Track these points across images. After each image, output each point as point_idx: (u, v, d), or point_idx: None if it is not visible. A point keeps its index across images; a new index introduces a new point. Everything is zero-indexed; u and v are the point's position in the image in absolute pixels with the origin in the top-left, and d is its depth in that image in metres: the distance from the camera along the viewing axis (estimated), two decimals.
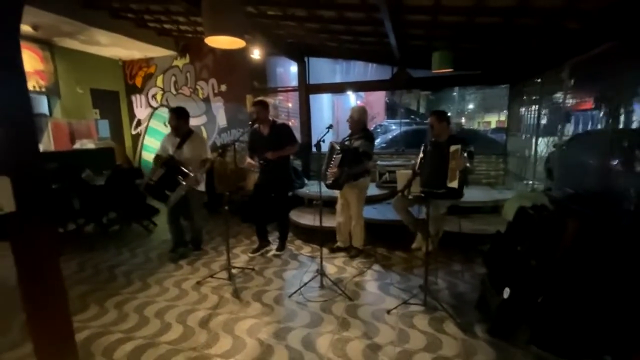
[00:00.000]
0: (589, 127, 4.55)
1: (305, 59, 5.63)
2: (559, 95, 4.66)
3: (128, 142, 7.18)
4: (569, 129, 4.46)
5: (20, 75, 1.67)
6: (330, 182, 3.13)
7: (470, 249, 3.56)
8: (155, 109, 6.91)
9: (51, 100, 5.74)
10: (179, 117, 3.39)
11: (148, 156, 7.08)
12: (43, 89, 5.54)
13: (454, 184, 2.51)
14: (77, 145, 5.70)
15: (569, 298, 1.88)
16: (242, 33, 1.98)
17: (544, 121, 4.70)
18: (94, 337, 2.26)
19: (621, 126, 3.06)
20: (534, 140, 4.67)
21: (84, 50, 6.04)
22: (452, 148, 2.47)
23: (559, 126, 4.41)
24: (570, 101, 4.16)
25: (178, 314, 2.52)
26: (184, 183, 3.12)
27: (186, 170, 3.17)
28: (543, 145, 4.64)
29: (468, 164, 2.61)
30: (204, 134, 6.51)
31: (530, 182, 4.72)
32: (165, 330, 2.32)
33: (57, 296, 1.90)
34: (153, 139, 7.03)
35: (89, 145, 5.73)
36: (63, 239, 4.11)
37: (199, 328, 2.34)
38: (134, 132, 7.19)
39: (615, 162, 2.91)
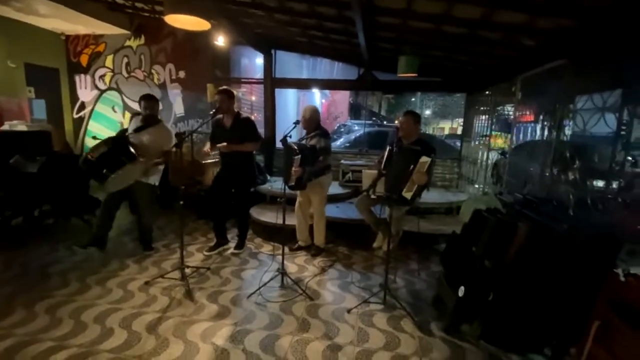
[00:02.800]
0: (531, 138, 4.97)
1: (273, 52, 5.47)
2: (508, 107, 5.04)
3: (69, 126, 6.46)
4: (515, 138, 4.83)
5: None
6: (294, 182, 3.03)
7: (426, 247, 3.70)
8: (103, 91, 6.29)
9: None
10: (156, 102, 3.31)
11: (92, 143, 6.43)
12: None
13: (408, 195, 2.56)
14: (6, 127, 4.98)
15: (517, 296, 2.01)
16: (206, 14, 1.82)
17: (494, 130, 5.07)
18: (19, 346, 1.97)
19: (561, 138, 3.37)
20: (485, 147, 5.00)
21: (19, 19, 5.30)
22: (423, 159, 2.49)
23: (506, 135, 4.78)
24: (517, 113, 4.50)
25: (122, 318, 2.29)
26: (127, 167, 2.82)
27: (133, 153, 2.89)
28: (493, 153, 4.99)
29: (429, 179, 2.66)
30: None
31: (481, 186, 5.06)
32: (106, 337, 2.09)
33: None
34: (98, 125, 6.40)
35: (20, 127, 5.04)
36: None
37: (146, 333, 2.14)
38: (76, 116, 6.48)
39: (556, 170, 3.19)
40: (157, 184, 3.34)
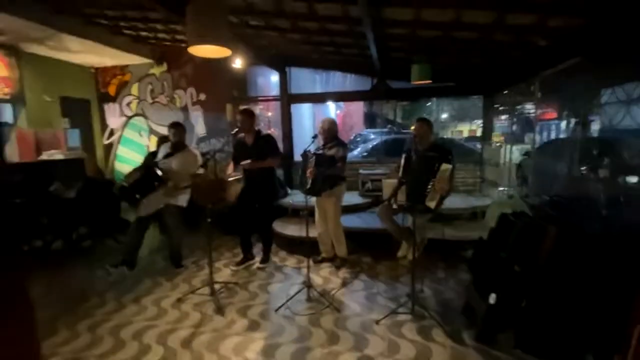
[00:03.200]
0: (555, 136, 4.82)
1: (287, 69, 5.64)
2: (528, 106, 4.94)
3: (99, 152, 6.85)
4: (538, 138, 4.72)
5: None
6: (309, 185, 3.06)
7: (452, 255, 3.63)
8: (129, 117, 6.66)
9: (16, 109, 5.39)
10: (183, 129, 3.49)
11: (121, 167, 6.78)
12: (7, 97, 5.20)
13: (432, 204, 2.55)
14: (44, 156, 5.36)
15: (552, 302, 1.95)
16: (226, 42, 1.95)
17: (515, 130, 4.96)
18: None
19: (587, 135, 3.27)
20: (507, 148, 4.90)
21: (53, 57, 5.75)
22: (444, 167, 2.48)
23: (529, 134, 4.67)
24: (538, 111, 4.40)
25: (158, 335, 2.38)
26: (158, 191, 3.01)
27: (162, 178, 3.08)
28: (517, 154, 4.88)
29: (451, 185, 2.64)
30: None
31: (505, 189, 4.93)
32: (144, 353, 2.18)
33: (24, 320, 1.74)
34: (127, 149, 6.75)
35: (58, 156, 5.40)
36: (28, 257, 3.81)
37: (181, 349, 2.22)
38: (106, 142, 6.87)
39: (584, 169, 3.09)
40: (185, 205, 3.48)
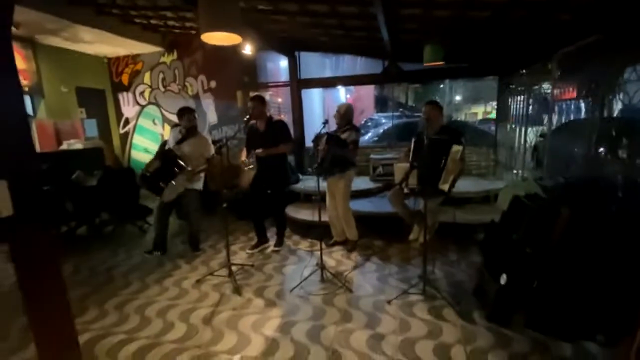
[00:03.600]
0: (574, 117, 4.68)
1: (296, 54, 5.60)
2: (545, 86, 4.78)
3: (116, 141, 7.04)
4: (555, 119, 4.58)
5: (14, 77, 1.63)
6: (319, 162, 3.10)
7: (464, 238, 3.65)
8: (143, 106, 6.78)
9: (35, 100, 5.57)
10: (193, 114, 3.54)
11: (137, 155, 6.96)
12: (26, 89, 5.36)
13: (445, 187, 2.56)
14: (64, 146, 5.56)
15: (563, 282, 1.96)
16: (238, 28, 1.96)
17: (531, 111, 4.82)
18: (96, 339, 2.25)
19: (606, 115, 3.17)
20: (522, 130, 4.78)
21: (68, 48, 5.86)
22: (455, 148, 2.48)
23: (546, 116, 4.53)
24: (556, 91, 4.26)
25: (180, 313, 2.52)
26: (178, 177, 3.11)
27: (182, 164, 3.17)
28: (532, 135, 4.76)
29: (463, 167, 2.66)
30: None
31: (520, 171, 4.85)
32: (168, 330, 2.32)
33: (59, 298, 1.88)
34: (142, 137, 6.91)
35: (77, 145, 5.60)
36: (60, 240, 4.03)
37: (203, 325, 2.35)
38: (122, 131, 7.04)
39: (602, 150, 3.02)
40: (201, 188, 3.60)
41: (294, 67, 5.62)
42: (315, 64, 6.44)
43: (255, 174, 3.57)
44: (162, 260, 3.53)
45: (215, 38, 2.00)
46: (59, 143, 5.73)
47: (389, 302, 2.54)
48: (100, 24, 4.90)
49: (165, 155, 3.25)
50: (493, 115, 6.26)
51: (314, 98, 8.47)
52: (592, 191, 2.24)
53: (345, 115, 3.38)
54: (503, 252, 2.30)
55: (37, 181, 1.77)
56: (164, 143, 3.62)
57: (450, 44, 4.11)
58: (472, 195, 4.28)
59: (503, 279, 2.17)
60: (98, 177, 4.16)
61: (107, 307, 2.65)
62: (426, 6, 3.12)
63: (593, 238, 1.92)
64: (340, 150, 3.13)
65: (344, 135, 3.27)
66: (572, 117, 4.47)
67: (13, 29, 4.67)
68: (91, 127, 6.49)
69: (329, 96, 9.76)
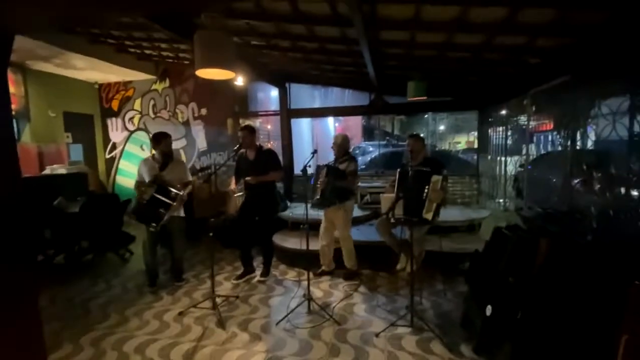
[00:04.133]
0: (550, 148, 4.92)
1: (287, 85, 5.80)
2: (523, 119, 5.07)
3: (101, 167, 6.93)
4: (533, 150, 4.82)
5: (6, 110, 1.66)
6: (318, 196, 3.18)
7: (450, 267, 3.68)
8: (132, 132, 6.78)
9: (20, 124, 5.50)
10: (170, 138, 3.47)
11: (123, 180, 6.85)
12: (12, 113, 5.30)
13: (429, 216, 2.65)
14: (47, 171, 5.44)
15: (544, 313, 2.00)
16: (232, 66, 2.06)
17: (510, 142, 5.07)
18: None
19: (578, 147, 3.37)
20: (502, 161, 5.00)
21: (58, 74, 5.90)
22: (434, 178, 2.60)
23: (524, 146, 4.77)
24: (532, 124, 4.52)
25: (160, 348, 2.41)
26: (174, 203, 3.06)
27: (174, 190, 3.12)
28: (511, 166, 4.98)
29: (445, 195, 2.78)
30: (183, 157, 6.43)
31: (502, 200, 5.01)
32: None
33: (34, 337, 1.79)
34: (128, 163, 6.84)
35: (60, 170, 5.49)
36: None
37: None
38: (108, 156, 6.96)
39: (576, 182, 3.18)
40: (183, 215, 3.54)
41: (284, 97, 5.79)
42: (305, 94, 6.67)
43: (244, 202, 3.57)
44: (142, 291, 3.40)
45: (210, 73, 2.08)
46: (42, 168, 5.61)
47: (377, 335, 2.51)
48: (94, 52, 4.99)
49: (157, 181, 3.18)
50: (477, 144, 6.54)
51: (303, 127, 8.67)
52: (569, 222, 2.34)
53: (342, 145, 3.50)
54: (488, 283, 2.33)
55: (19, 210, 1.74)
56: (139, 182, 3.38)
57: (432, 79, 4.36)
58: (458, 224, 4.37)
59: (488, 310, 2.19)
60: (81, 203, 4.06)
61: (82, 342, 2.51)
62: (408, 47, 3.34)
63: (571, 268, 1.99)
64: (340, 181, 3.22)
65: (342, 166, 3.37)
66: (548, 149, 4.72)
67: None
68: (77, 152, 6.40)
69: (317, 125, 10.00)
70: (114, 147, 6.92)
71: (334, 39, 3.43)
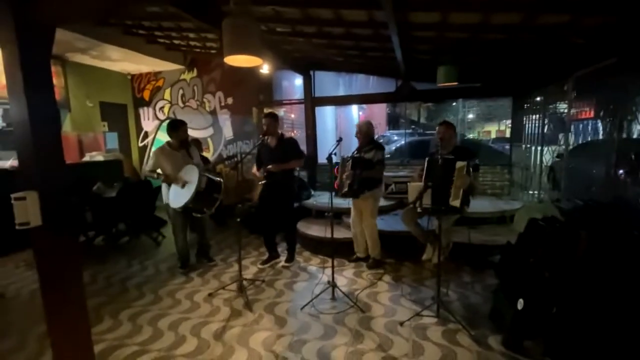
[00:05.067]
0: (590, 137, 4.59)
1: (311, 73, 5.75)
2: (561, 106, 4.75)
3: (135, 154, 7.27)
4: (571, 139, 4.52)
5: (51, 98, 1.76)
6: (346, 189, 3.19)
7: (479, 260, 3.57)
8: (162, 121, 7.02)
9: (61, 113, 5.84)
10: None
11: None
12: (56, 103, 5.64)
13: (456, 203, 2.56)
14: (87, 158, 5.77)
15: (584, 309, 1.90)
16: (259, 52, 2.06)
17: (547, 131, 4.77)
18: (110, 350, 2.28)
19: (625, 136, 3.12)
20: (538, 150, 4.73)
21: (95, 65, 6.18)
22: (459, 164, 2.52)
23: (561, 135, 4.48)
24: (572, 111, 4.23)
25: (192, 327, 2.54)
26: (222, 182, 3.15)
27: (217, 179, 3.22)
28: (548, 156, 4.70)
29: (473, 181, 2.69)
30: (211, 146, 6.60)
31: (536, 192, 4.76)
32: (180, 343, 2.34)
33: (79, 307, 1.94)
34: None
35: (98, 157, 5.81)
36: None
37: (214, 340, 2.35)
38: (140, 144, 7.28)
39: (622, 172, 2.96)
40: None
41: (308, 85, 5.76)
42: (329, 82, 6.57)
43: (262, 189, 3.61)
44: (174, 272, 3.58)
45: (238, 60, 2.10)
46: (82, 155, 5.96)
47: (401, 323, 2.50)
48: (126, 43, 5.17)
49: (205, 170, 3.29)
50: (509, 133, 6.21)
51: (327, 115, 8.60)
52: (613, 214, 2.19)
53: (367, 133, 3.42)
54: (520, 276, 2.25)
55: (65, 193, 1.86)
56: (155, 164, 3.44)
57: (463, 64, 4.16)
58: (487, 215, 4.21)
59: (520, 304, 2.11)
60: (117, 188, 4.29)
61: (121, 318, 2.69)
62: (440, 29, 3.19)
63: (615, 263, 1.87)
64: (367, 172, 3.19)
65: (368, 155, 3.31)
66: (588, 138, 4.40)
67: None
68: (112, 140, 6.74)
69: (341, 113, 9.88)
70: (145, 135, 7.22)
71: (361, 23, 3.34)
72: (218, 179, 3.15)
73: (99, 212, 4.16)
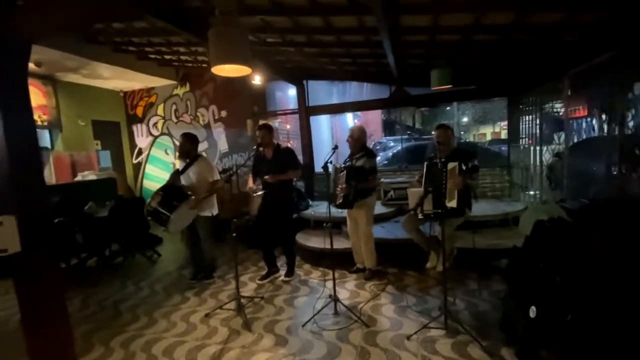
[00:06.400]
0: (587, 135, 4.53)
1: (304, 82, 5.72)
2: (557, 105, 4.71)
3: (129, 171, 7.17)
4: (569, 137, 4.46)
5: (28, 115, 1.67)
6: (341, 200, 3.09)
7: (485, 265, 3.46)
8: (156, 137, 6.95)
9: (53, 134, 5.77)
10: (193, 142, 3.54)
11: (149, 184, 7.05)
12: (45, 123, 5.58)
13: (453, 204, 2.48)
14: (79, 177, 5.67)
15: (600, 315, 1.79)
16: (247, 61, 2.00)
17: (544, 130, 4.72)
18: None
19: (623, 132, 3.06)
20: (536, 150, 4.66)
21: (86, 84, 6.14)
22: (450, 165, 2.45)
23: (558, 134, 4.42)
24: (568, 109, 4.18)
25: (188, 351, 2.40)
26: (179, 207, 3.09)
27: (186, 193, 3.18)
28: (547, 155, 4.64)
29: (470, 180, 2.62)
30: None
31: (537, 192, 4.68)
32: None
33: (63, 338, 1.81)
34: (154, 167, 7.03)
35: (91, 176, 5.71)
36: (65, 275, 3.99)
37: None
38: (135, 161, 7.19)
39: (625, 168, 2.88)
40: (214, 214, 3.57)
41: (302, 95, 5.72)
42: (322, 91, 6.55)
43: (261, 202, 3.52)
44: (169, 292, 3.44)
45: (225, 70, 2.03)
46: (74, 174, 5.86)
47: (408, 337, 2.37)
48: (117, 61, 5.14)
49: (166, 188, 3.26)
50: (504, 135, 6.19)
51: (322, 123, 8.57)
52: (622, 212, 2.10)
53: (359, 139, 3.33)
54: (530, 281, 2.14)
55: (45, 216, 1.75)
56: (177, 171, 3.61)
57: (457, 67, 4.13)
58: (490, 218, 4.12)
59: (532, 312, 2.00)
60: (110, 207, 4.18)
61: (112, 345, 2.54)
62: (432, 32, 3.16)
63: (631, 264, 1.77)
64: (361, 183, 3.11)
65: (360, 162, 3.22)
66: (584, 135, 4.34)
67: (35, 67, 4.94)
68: (105, 158, 6.65)
69: (336, 121, 9.87)
70: (140, 152, 7.14)
71: (351, 29, 3.30)
72: (162, 210, 3.13)
73: (90, 232, 4.03)
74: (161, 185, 3.40)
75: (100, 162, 6.53)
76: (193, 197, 3.24)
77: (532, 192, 4.77)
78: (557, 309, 1.90)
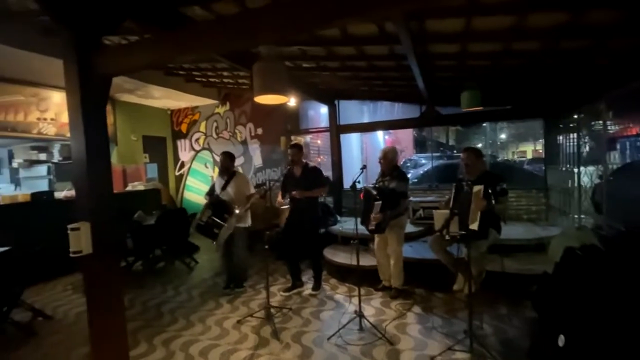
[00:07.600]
0: (636, 156, 4.29)
1: (336, 102, 5.96)
2: (599, 125, 4.51)
3: (172, 183, 7.75)
4: (615, 158, 4.25)
5: (104, 133, 2.01)
6: (374, 227, 3.19)
7: (516, 290, 3.37)
8: (197, 151, 7.50)
9: (110, 148, 6.43)
10: (232, 159, 3.86)
11: (190, 195, 7.56)
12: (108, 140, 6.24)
13: (474, 226, 2.48)
14: (129, 188, 6.25)
15: (630, 348, 1.74)
16: (286, 91, 2.23)
17: (586, 150, 4.53)
18: None
19: None
20: (576, 172, 4.48)
21: (139, 103, 6.83)
22: (475, 188, 2.49)
23: (603, 156, 4.21)
24: (613, 129, 4.02)
25: (221, 354, 2.59)
26: (229, 220, 3.36)
27: (232, 207, 3.45)
28: (587, 178, 4.44)
29: (497, 205, 2.59)
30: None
31: (576, 216, 4.47)
32: None
33: (120, 331, 2.07)
34: (194, 179, 7.55)
35: (139, 187, 6.27)
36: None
37: None
38: (177, 174, 7.77)
39: None
40: (249, 225, 3.84)
41: (333, 114, 5.95)
42: (354, 109, 6.75)
43: (288, 216, 3.71)
44: (205, 298, 3.70)
45: (267, 99, 2.29)
46: (125, 185, 6.46)
47: (432, 358, 2.40)
48: (168, 83, 5.71)
49: (214, 203, 3.57)
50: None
51: (352, 140, 8.74)
52: None
53: (391, 160, 3.42)
54: (559, 309, 2.11)
55: (113, 222, 2.06)
56: (212, 188, 3.93)
57: (488, 88, 4.15)
58: (523, 242, 4.00)
59: (561, 341, 1.97)
60: (156, 216, 4.59)
61: (155, 343, 2.80)
62: (461, 58, 3.25)
63: None
64: (396, 209, 3.20)
65: (392, 185, 3.28)
66: (629, 158, 4.12)
67: None
68: (152, 170, 7.26)
69: (367, 139, 9.99)
70: (182, 165, 7.71)
71: (382, 56, 3.49)
72: (217, 220, 3.45)
73: (139, 238, 4.44)
74: (201, 195, 3.75)
75: (148, 173, 7.14)
76: (237, 211, 3.53)
77: (572, 216, 4.56)
78: (587, 339, 1.87)
